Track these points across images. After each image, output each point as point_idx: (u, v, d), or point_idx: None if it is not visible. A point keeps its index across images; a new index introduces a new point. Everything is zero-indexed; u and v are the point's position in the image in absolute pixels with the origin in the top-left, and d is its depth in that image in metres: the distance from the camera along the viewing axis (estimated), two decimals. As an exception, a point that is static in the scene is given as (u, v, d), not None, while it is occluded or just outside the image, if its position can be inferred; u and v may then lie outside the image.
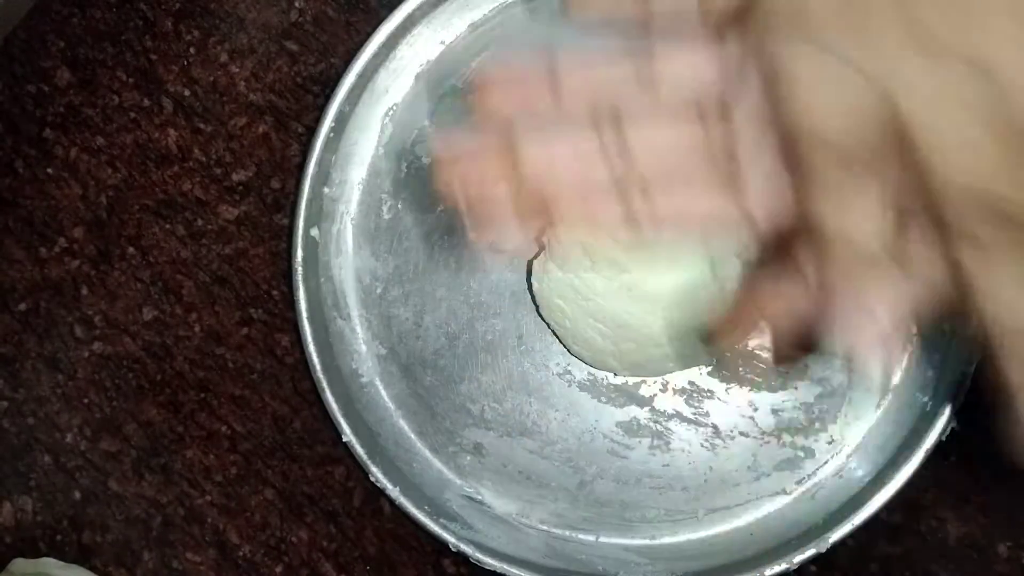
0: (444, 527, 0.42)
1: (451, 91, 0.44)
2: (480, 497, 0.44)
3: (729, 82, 0.32)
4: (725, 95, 0.32)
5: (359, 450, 0.42)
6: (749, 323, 0.36)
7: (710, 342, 0.41)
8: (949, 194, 0.28)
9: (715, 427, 0.43)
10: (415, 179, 0.45)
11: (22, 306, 0.46)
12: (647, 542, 0.43)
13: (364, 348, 0.45)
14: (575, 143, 0.33)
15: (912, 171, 0.28)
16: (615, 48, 0.33)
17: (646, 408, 0.43)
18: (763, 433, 0.43)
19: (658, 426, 0.43)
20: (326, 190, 0.44)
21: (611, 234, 0.36)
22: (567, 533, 0.43)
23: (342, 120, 0.43)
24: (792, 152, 0.31)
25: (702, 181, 0.33)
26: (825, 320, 0.31)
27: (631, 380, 0.43)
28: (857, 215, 0.30)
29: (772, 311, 0.34)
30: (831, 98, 0.28)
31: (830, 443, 0.42)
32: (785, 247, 0.32)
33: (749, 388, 0.43)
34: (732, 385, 0.43)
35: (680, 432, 0.43)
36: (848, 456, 0.42)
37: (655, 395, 0.43)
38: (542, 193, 0.33)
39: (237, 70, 0.46)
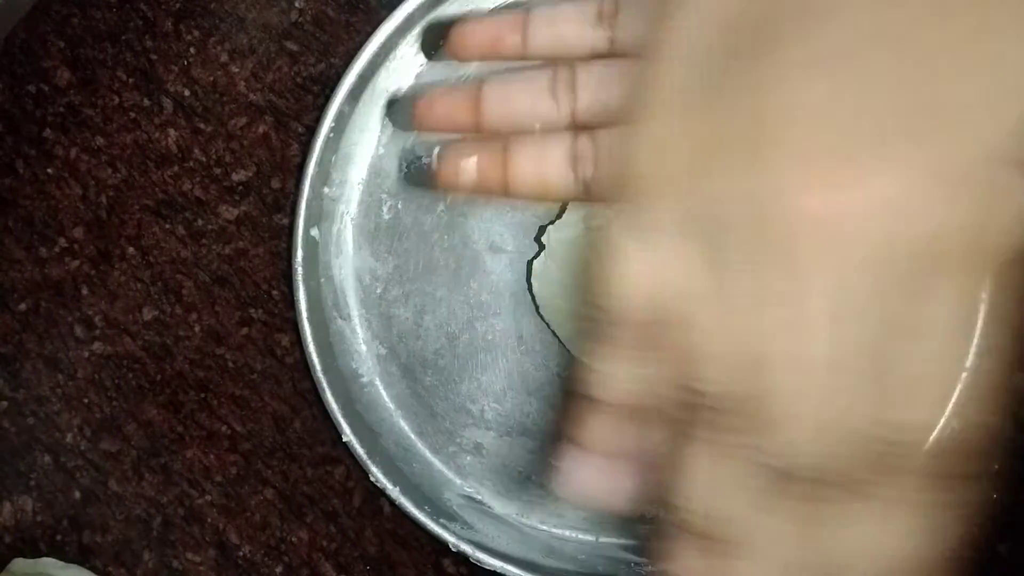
0: (444, 527, 0.42)
1: (451, 91, 0.44)
2: (480, 497, 0.44)
3: None
4: None
5: (359, 450, 0.42)
6: None
7: None
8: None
9: (715, 427, 0.43)
10: (415, 179, 0.44)
11: (22, 306, 0.46)
12: (647, 542, 0.43)
13: (364, 348, 0.45)
14: (531, 82, 0.38)
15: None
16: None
17: (646, 408, 0.43)
18: (763, 433, 0.43)
19: (658, 426, 0.43)
20: (326, 190, 0.44)
21: (558, 176, 0.38)
22: (567, 533, 0.43)
23: (342, 120, 0.43)
24: None
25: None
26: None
27: (631, 380, 0.43)
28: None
29: None
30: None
31: (830, 443, 0.42)
32: None
33: (749, 388, 0.43)
34: (732, 385, 0.43)
35: (680, 432, 0.43)
36: (848, 456, 0.42)
37: (655, 395, 0.43)
38: (498, 126, 0.38)
39: (237, 70, 0.46)
